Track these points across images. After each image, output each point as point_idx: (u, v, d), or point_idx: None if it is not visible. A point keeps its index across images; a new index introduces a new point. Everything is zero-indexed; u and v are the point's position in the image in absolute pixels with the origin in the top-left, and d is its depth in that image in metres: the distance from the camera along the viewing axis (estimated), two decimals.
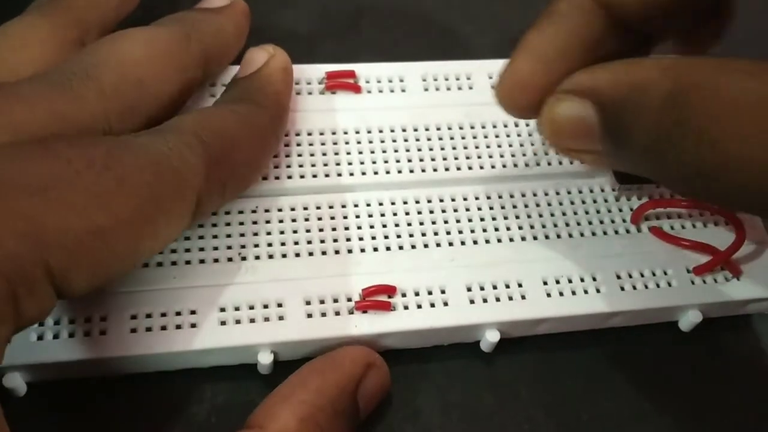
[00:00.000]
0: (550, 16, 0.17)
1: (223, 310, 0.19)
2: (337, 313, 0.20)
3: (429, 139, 0.23)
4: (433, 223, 0.22)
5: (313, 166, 0.22)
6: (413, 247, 0.21)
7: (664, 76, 0.15)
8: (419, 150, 0.23)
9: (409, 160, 0.22)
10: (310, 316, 0.19)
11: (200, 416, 0.19)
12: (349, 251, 0.21)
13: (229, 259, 0.20)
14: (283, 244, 0.20)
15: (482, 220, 0.22)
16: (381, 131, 0.23)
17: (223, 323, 0.19)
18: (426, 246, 0.21)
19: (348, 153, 0.22)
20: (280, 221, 0.21)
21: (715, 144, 0.14)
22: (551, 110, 0.17)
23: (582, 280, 0.21)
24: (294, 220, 0.21)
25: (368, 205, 0.22)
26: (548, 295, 0.21)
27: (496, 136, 0.23)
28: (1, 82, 0.17)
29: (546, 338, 0.21)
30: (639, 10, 0.17)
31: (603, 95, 0.16)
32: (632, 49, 0.17)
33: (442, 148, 0.23)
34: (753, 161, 0.14)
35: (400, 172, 0.22)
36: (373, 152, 0.22)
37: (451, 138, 0.23)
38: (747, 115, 0.14)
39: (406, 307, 0.20)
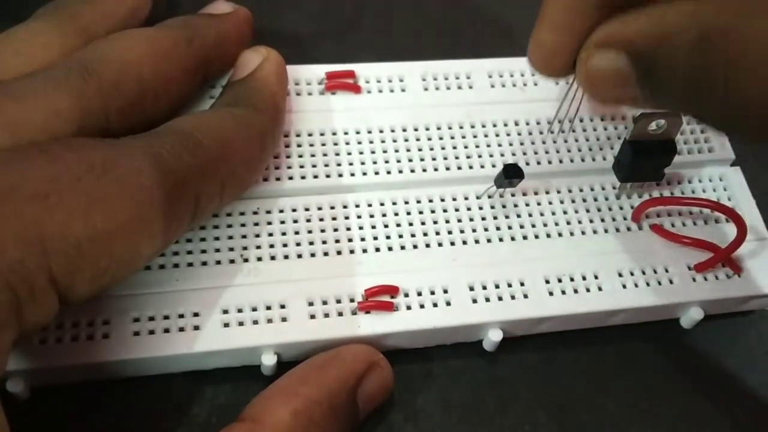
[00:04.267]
0: None
1: (225, 312, 0.19)
2: (340, 314, 0.20)
3: (429, 139, 0.23)
4: (435, 222, 0.22)
5: (313, 166, 0.22)
6: (415, 247, 0.21)
7: (690, 23, 0.15)
8: (420, 150, 0.23)
9: (410, 160, 0.22)
10: (313, 317, 0.19)
11: (201, 417, 0.19)
12: (351, 252, 0.21)
13: (231, 261, 0.20)
14: (284, 245, 0.20)
15: (483, 219, 0.22)
16: (381, 131, 0.23)
17: (226, 325, 0.19)
18: (428, 246, 0.21)
19: (348, 153, 0.22)
20: (282, 222, 0.21)
21: (740, 91, 0.14)
22: (586, 65, 0.17)
23: (583, 278, 0.21)
24: (295, 221, 0.21)
25: (369, 205, 0.22)
26: (550, 293, 0.21)
27: (497, 136, 0.23)
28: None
29: (547, 337, 0.21)
30: None
31: (634, 46, 0.16)
32: None
33: (443, 148, 0.23)
34: None
35: (401, 172, 0.22)
36: (373, 152, 0.22)
37: (452, 138, 0.23)
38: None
39: (408, 307, 0.20)
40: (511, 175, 0.21)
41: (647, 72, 0.16)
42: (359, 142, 0.22)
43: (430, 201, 0.22)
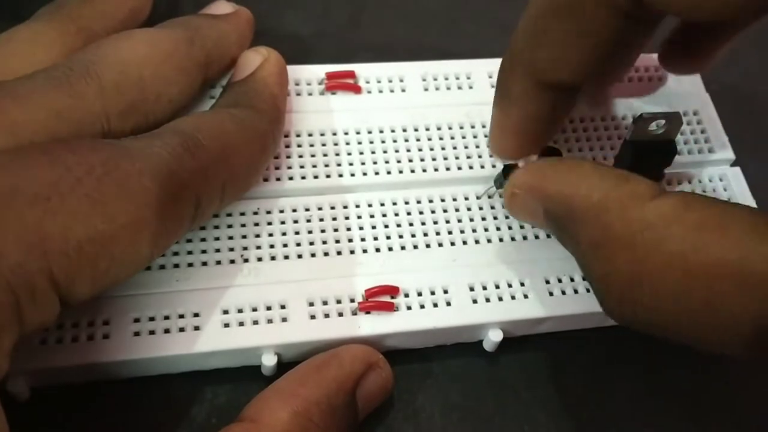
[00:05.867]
0: (507, 98, 0.20)
1: (226, 312, 0.19)
2: (341, 314, 0.20)
3: (429, 139, 0.23)
4: (435, 223, 0.22)
5: (314, 167, 0.22)
6: (415, 247, 0.21)
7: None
8: (420, 150, 0.23)
9: (410, 160, 0.22)
10: (313, 317, 0.19)
11: (201, 417, 0.19)
12: (351, 252, 0.21)
13: (232, 261, 0.20)
14: (285, 245, 0.20)
15: (483, 219, 0.22)
16: (381, 131, 0.23)
17: (226, 325, 0.19)
18: (428, 246, 0.21)
19: (349, 153, 0.22)
20: (282, 223, 0.21)
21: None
22: (509, 199, 0.20)
23: (584, 278, 0.21)
24: (296, 222, 0.21)
25: (369, 205, 0.22)
26: (550, 294, 0.21)
27: None
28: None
29: (547, 337, 0.21)
30: (578, 81, 0.19)
31: (548, 209, 0.19)
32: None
33: (443, 148, 0.23)
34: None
35: (401, 172, 0.22)
36: (373, 152, 0.22)
37: (452, 138, 0.23)
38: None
39: (409, 308, 0.20)
40: (510, 176, 0.21)
41: (556, 227, 0.19)
42: (359, 143, 0.22)
43: (430, 201, 0.22)
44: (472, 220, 0.22)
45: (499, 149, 0.21)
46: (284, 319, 0.19)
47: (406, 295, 0.20)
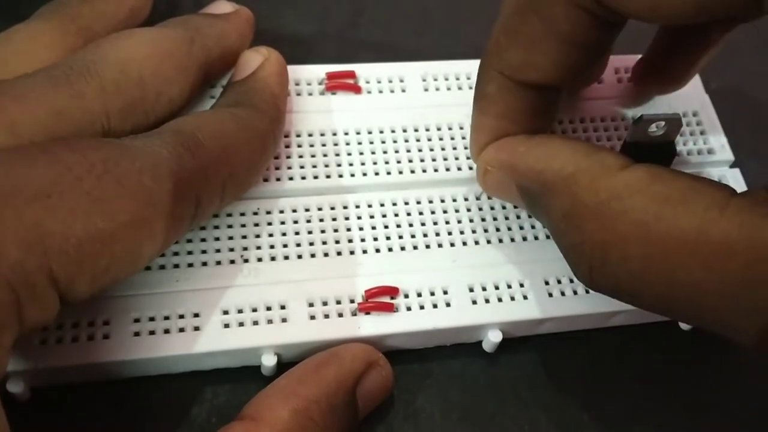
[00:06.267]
0: (485, 99, 0.20)
1: (226, 312, 0.19)
2: (340, 315, 0.20)
3: (429, 140, 0.23)
4: (435, 223, 0.22)
5: (314, 167, 0.22)
6: (415, 248, 0.21)
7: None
8: (420, 150, 0.23)
9: (410, 161, 0.22)
10: (313, 317, 0.19)
11: (201, 417, 0.19)
12: (351, 252, 0.21)
13: (232, 262, 0.20)
14: (285, 245, 0.20)
15: (483, 220, 0.22)
16: (381, 132, 0.23)
17: (226, 326, 0.19)
18: (428, 247, 0.21)
19: (349, 154, 0.22)
20: (282, 223, 0.21)
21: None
22: (483, 175, 0.21)
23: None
24: (296, 222, 0.21)
25: (369, 206, 0.22)
26: (550, 294, 0.21)
27: None
28: None
29: (547, 338, 0.22)
30: (553, 82, 0.19)
31: (521, 184, 0.19)
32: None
33: (443, 149, 0.23)
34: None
35: (401, 172, 0.22)
36: (373, 153, 0.22)
37: (452, 138, 0.23)
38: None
39: (408, 308, 0.20)
40: None
41: (530, 202, 0.19)
42: (359, 143, 0.22)
43: (430, 202, 0.22)
44: (471, 220, 0.22)
45: (479, 149, 0.21)
46: (284, 320, 0.19)
47: (406, 296, 0.20)
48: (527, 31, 0.18)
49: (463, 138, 0.23)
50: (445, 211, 0.22)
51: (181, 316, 0.19)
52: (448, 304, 0.20)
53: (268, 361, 0.19)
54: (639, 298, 0.17)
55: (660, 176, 0.16)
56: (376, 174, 0.22)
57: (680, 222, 0.15)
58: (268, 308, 0.19)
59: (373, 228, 0.21)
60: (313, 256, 0.20)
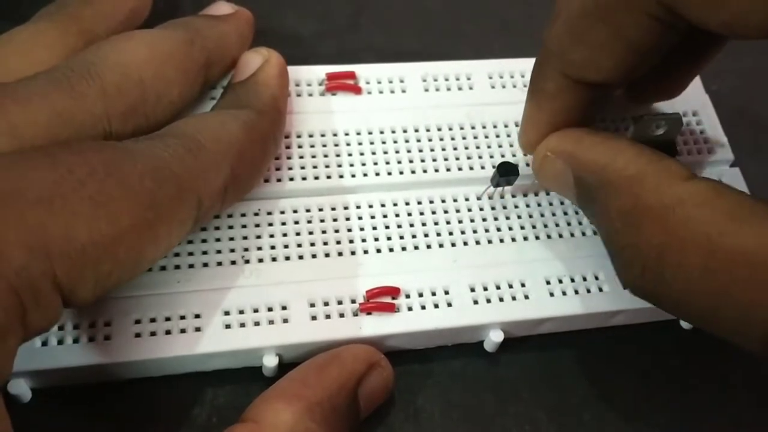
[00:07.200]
0: (541, 93, 0.20)
1: (227, 313, 0.19)
2: (342, 315, 0.20)
3: (430, 140, 0.23)
4: (436, 224, 0.22)
5: (314, 168, 0.22)
6: (416, 248, 0.21)
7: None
8: (420, 151, 0.23)
9: (411, 161, 0.22)
10: (314, 318, 0.19)
11: (202, 418, 0.19)
12: (353, 253, 0.21)
13: (233, 262, 0.20)
14: (286, 246, 0.20)
15: (484, 220, 0.22)
16: (382, 132, 0.23)
17: (227, 326, 0.19)
18: (429, 247, 0.21)
19: (349, 154, 0.22)
20: (283, 224, 0.21)
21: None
22: (540, 163, 0.21)
23: (584, 279, 0.21)
24: (297, 223, 0.21)
25: (370, 206, 0.22)
26: (551, 294, 0.21)
27: (497, 136, 0.23)
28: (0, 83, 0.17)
29: (548, 337, 0.22)
30: (612, 82, 0.19)
31: (581, 176, 0.19)
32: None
33: (443, 149, 0.23)
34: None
35: (401, 173, 0.22)
36: (374, 153, 0.22)
37: (452, 138, 0.23)
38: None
39: (410, 309, 0.20)
40: (505, 172, 0.21)
41: (585, 195, 0.19)
42: (360, 143, 0.22)
43: (431, 202, 0.22)
44: (472, 220, 0.22)
45: (530, 143, 0.21)
46: (285, 320, 0.19)
47: (407, 296, 0.20)
48: (593, 34, 0.18)
49: (464, 138, 0.23)
50: (445, 211, 0.22)
51: (183, 317, 0.19)
52: (449, 304, 0.20)
53: (270, 361, 0.19)
54: (685, 307, 0.17)
55: (723, 192, 0.16)
56: (377, 174, 0.22)
57: (745, 240, 0.15)
58: (270, 309, 0.19)
59: (374, 228, 0.21)
60: (314, 256, 0.20)
